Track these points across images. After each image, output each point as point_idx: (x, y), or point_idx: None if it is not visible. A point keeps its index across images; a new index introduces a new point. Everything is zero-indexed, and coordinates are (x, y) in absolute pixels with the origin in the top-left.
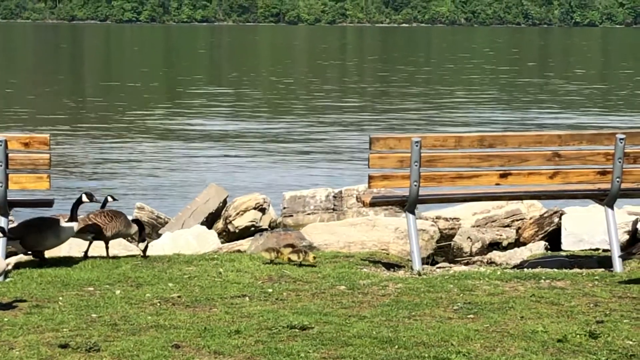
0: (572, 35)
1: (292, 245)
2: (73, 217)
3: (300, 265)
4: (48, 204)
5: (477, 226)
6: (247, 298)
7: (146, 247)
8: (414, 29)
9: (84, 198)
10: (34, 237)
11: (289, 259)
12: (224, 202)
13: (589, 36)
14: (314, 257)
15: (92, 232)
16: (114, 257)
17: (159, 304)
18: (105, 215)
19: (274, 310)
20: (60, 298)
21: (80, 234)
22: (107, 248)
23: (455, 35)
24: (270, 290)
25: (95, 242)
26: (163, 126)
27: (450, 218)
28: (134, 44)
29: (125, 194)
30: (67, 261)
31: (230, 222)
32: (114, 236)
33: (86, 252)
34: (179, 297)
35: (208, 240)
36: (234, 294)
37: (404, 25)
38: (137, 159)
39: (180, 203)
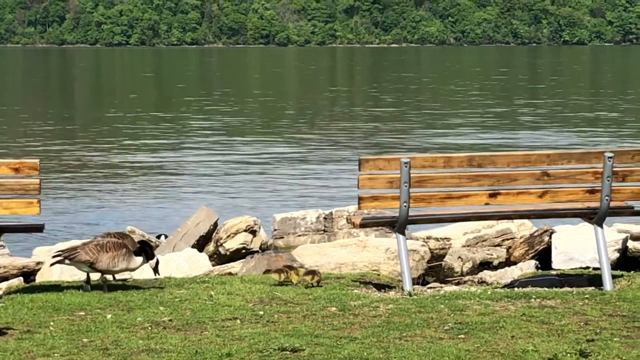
0: (561, 54)
1: (291, 267)
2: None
3: (312, 286)
4: (38, 229)
5: (468, 246)
6: (238, 321)
7: (157, 264)
8: (403, 49)
9: (162, 239)
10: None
11: (303, 279)
12: (215, 224)
13: (578, 55)
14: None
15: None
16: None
17: (150, 328)
18: (102, 246)
19: (265, 333)
20: (52, 323)
21: (78, 264)
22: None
23: (445, 55)
24: (261, 312)
25: None
26: (153, 148)
27: (440, 238)
28: (124, 67)
29: (114, 217)
30: (58, 286)
31: (221, 244)
32: (110, 272)
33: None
34: (170, 320)
35: (199, 263)
36: (225, 316)
37: (393, 45)
38: (128, 182)
39: (171, 226)
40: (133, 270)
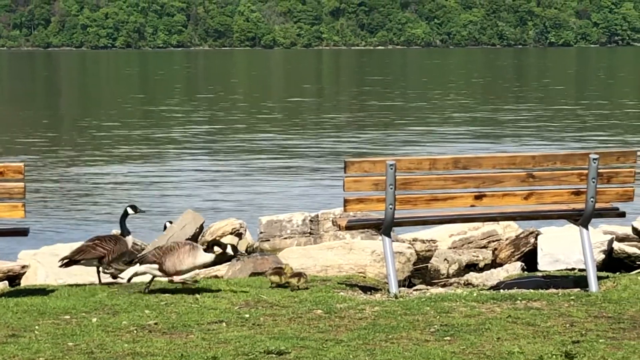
0: (547, 55)
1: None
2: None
3: (298, 289)
4: (23, 232)
5: (454, 248)
6: (224, 324)
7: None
8: (389, 51)
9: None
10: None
11: (289, 282)
12: (201, 227)
13: (563, 56)
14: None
15: (96, 257)
16: (107, 284)
17: (135, 332)
18: (110, 240)
19: (250, 336)
20: (37, 327)
21: (89, 260)
22: (99, 273)
23: (431, 57)
24: (247, 315)
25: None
26: (139, 152)
27: (427, 240)
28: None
29: (101, 220)
30: (43, 290)
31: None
32: (119, 260)
33: (99, 279)
34: (155, 324)
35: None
36: (211, 319)
37: (379, 47)
38: (113, 185)
39: (157, 229)
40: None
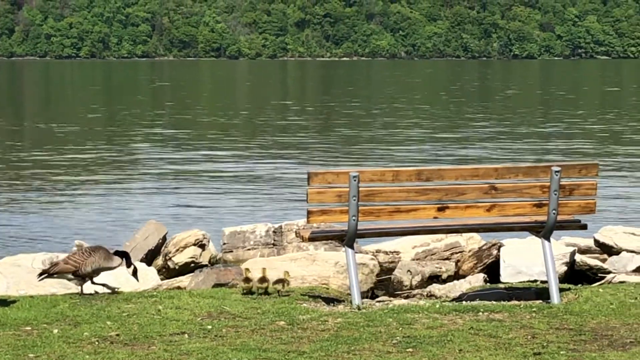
0: (511, 68)
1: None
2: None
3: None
4: None
5: (417, 259)
6: (186, 335)
7: (135, 271)
8: (354, 62)
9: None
10: None
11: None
12: (164, 238)
13: (527, 69)
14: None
15: (72, 269)
16: (88, 294)
17: (97, 343)
18: (84, 252)
19: (213, 347)
20: None
21: (64, 274)
22: (94, 284)
23: (395, 68)
24: (209, 327)
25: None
26: (100, 162)
27: (390, 251)
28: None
29: (63, 231)
30: (4, 300)
31: (170, 258)
32: (95, 271)
33: (81, 290)
34: (117, 335)
35: (147, 277)
36: (173, 331)
37: (344, 59)
38: (75, 196)
39: (119, 240)
40: (115, 267)
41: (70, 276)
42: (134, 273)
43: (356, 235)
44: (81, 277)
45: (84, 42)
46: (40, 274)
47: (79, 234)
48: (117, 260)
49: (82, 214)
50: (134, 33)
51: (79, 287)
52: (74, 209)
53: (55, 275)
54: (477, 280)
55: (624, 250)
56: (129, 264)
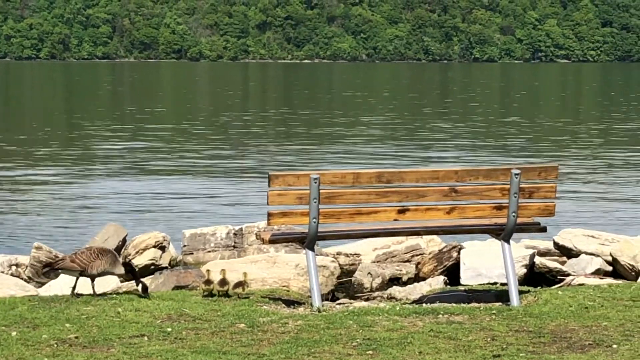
0: (471, 70)
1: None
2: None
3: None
4: None
5: (378, 262)
6: (145, 338)
7: (144, 287)
8: (315, 65)
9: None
10: None
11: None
12: (123, 240)
13: (487, 72)
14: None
15: (78, 269)
16: (80, 295)
17: (55, 345)
18: (92, 253)
19: (172, 350)
20: None
21: (68, 270)
22: (92, 286)
23: (357, 71)
24: (169, 329)
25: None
26: (60, 163)
27: (350, 254)
28: (34, 82)
29: (22, 233)
30: None
31: (130, 260)
32: (100, 274)
33: (73, 288)
34: (76, 337)
35: (107, 280)
36: (133, 333)
37: (306, 61)
38: (34, 197)
39: (78, 242)
40: (119, 275)
41: (75, 273)
42: (144, 290)
43: (317, 238)
44: (86, 277)
45: (44, 43)
46: (44, 267)
47: (38, 237)
48: (121, 268)
49: (40, 216)
50: (95, 34)
51: (73, 283)
52: (32, 211)
53: (60, 271)
54: (437, 282)
55: (583, 252)
56: (137, 281)
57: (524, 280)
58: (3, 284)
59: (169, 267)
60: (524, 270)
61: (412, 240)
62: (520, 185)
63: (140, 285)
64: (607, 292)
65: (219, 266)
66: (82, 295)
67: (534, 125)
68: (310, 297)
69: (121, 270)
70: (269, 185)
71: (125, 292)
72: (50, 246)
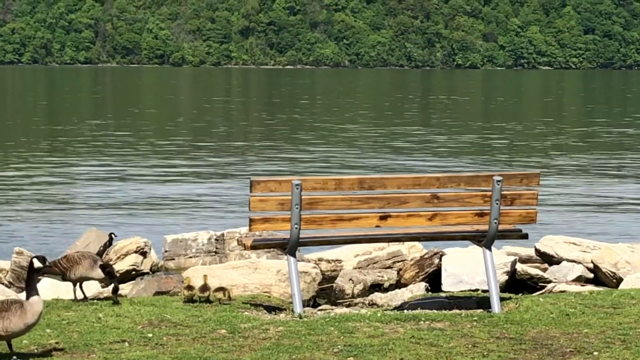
0: (454, 77)
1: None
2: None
3: (223, 303)
4: None
5: (359, 268)
6: (126, 343)
7: (115, 288)
8: (298, 70)
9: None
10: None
11: (215, 297)
12: (110, 243)
13: (470, 78)
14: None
15: (59, 273)
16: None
17: (36, 351)
18: (71, 258)
19: (153, 356)
20: None
21: (50, 275)
22: (74, 291)
23: (339, 77)
24: (150, 335)
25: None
26: (42, 168)
27: (332, 260)
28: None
29: (3, 239)
30: None
31: (108, 261)
32: (80, 279)
33: (75, 293)
34: (57, 343)
35: (88, 285)
36: (113, 339)
37: (288, 67)
38: (15, 201)
39: (59, 247)
40: (98, 279)
41: (57, 277)
42: (114, 291)
43: (298, 244)
44: (67, 281)
45: (27, 47)
46: (37, 271)
47: (18, 241)
48: (99, 272)
49: (22, 221)
50: (77, 39)
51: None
52: (12, 216)
53: (45, 275)
54: (418, 289)
55: (564, 259)
56: (111, 281)
57: (506, 287)
58: None
59: (150, 273)
60: (506, 277)
61: (394, 247)
62: (502, 192)
63: (112, 285)
64: (588, 299)
65: (200, 272)
66: (84, 299)
67: (516, 131)
68: (291, 303)
69: (100, 274)
70: (250, 191)
71: (106, 298)
72: (31, 251)
